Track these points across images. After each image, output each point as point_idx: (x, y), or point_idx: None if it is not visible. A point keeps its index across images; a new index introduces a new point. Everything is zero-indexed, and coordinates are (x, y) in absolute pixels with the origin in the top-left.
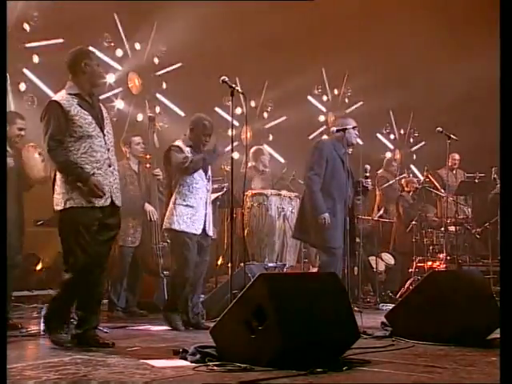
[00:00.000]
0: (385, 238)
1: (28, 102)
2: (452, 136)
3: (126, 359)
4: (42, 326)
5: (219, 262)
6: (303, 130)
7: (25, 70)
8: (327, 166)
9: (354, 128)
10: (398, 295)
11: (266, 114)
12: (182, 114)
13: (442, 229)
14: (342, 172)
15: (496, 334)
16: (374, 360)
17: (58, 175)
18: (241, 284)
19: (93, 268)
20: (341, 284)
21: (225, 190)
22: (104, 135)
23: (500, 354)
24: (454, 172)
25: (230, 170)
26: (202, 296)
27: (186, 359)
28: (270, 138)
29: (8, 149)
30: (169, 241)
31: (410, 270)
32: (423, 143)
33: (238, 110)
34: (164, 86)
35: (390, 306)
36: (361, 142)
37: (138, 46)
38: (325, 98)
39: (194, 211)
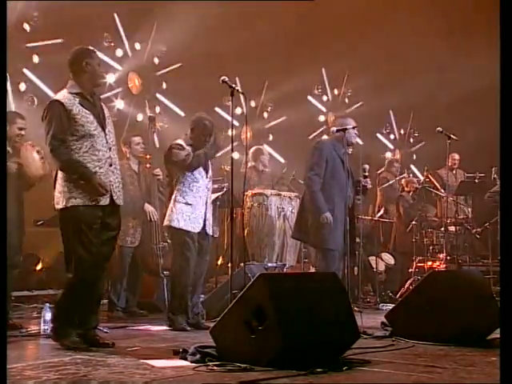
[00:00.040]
0: (385, 238)
1: (28, 102)
2: (452, 136)
3: (126, 359)
4: (49, 332)
5: (219, 262)
6: (303, 130)
7: (25, 70)
8: (327, 166)
9: (353, 128)
10: (398, 295)
11: (266, 114)
12: (182, 113)
13: (442, 229)
14: (342, 172)
15: (496, 334)
16: (374, 360)
17: (60, 174)
18: (241, 284)
19: (95, 268)
20: (341, 284)
21: (225, 189)
22: (105, 134)
23: (500, 354)
24: (454, 172)
25: (230, 170)
26: (202, 296)
27: (186, 359)
28: (270, 138)
29: (8, 148)
30: (169, 241)
31: (410, 270)
32: (423, 143)
33: (238, 110)
34: (164, 85)
35: (390, 306)
36: (361, 142)
37: (138, 46)
38: (325, 98)
39: (193, 209)
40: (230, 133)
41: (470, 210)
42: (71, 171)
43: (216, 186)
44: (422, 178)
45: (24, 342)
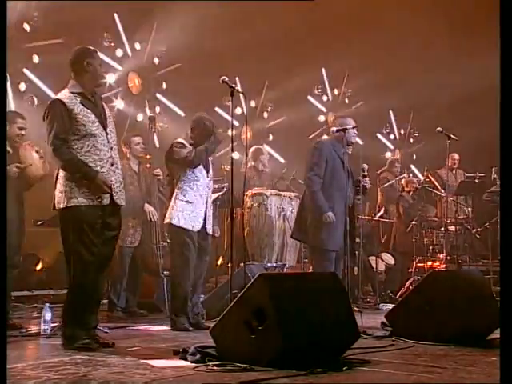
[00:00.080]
0: (385, 238)
1: (28, 101)
2: (452, 136)
3: (126, 359)
4: (61, 339)
5: (219, 262)
6: (303, 129)
7: (25, 70)
8: (327, 167)
9: (353, 128)
10: (398, 295)
11: (266, 114)
12: (181, 113)
13: (442, 229)
14: (342, 172)
15: (496, 334)
16: (374, 360)
17: (61, 173)
18: (241, 284)
19: (96, 268)
20: (341, 284)
21: (225, 189)
22: (107, 134)
23: (500, 354)
24: (454, 172)
25: (229, 170)
26: (202, 296)
27: (186, 359)
28: (270, 138)
29: (8, 148)
30: (169, 240)
31: (410, 270)
32: (423, 143)
33: (238, 110)
34: (164, 86)
35: (390, 306)
36: (361, 142)
37: (138, 46)
38: (325, 98)
39: (193, 207)
40: (229, 133)
41: (470, 209)
42: (74, 170)
43: (216, 185)
44: (422, 178)
45: (24, 341)
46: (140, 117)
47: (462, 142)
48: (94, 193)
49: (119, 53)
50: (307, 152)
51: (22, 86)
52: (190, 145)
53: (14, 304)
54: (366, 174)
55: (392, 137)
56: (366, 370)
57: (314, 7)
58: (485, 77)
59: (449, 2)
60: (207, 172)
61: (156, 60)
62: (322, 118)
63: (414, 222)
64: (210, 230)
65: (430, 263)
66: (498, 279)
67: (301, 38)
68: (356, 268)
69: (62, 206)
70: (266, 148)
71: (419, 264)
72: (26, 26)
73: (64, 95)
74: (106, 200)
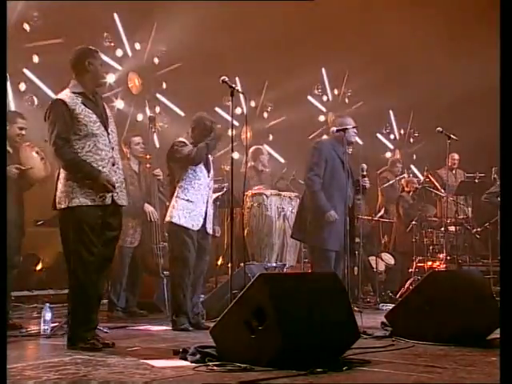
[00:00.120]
0: (385, 238)
1: (28, 102)
2: (452, 136)
3: (126, 359)
4: (66, 340)
5: (219, 262)
6: (303, 129)
7: (25, 70)
8: (327, 167)
9: (353, 128)
10: (398, 295)
11: (265, 114)
12: (181, 113)
13: (442, 229)
14: (342, 172)
15: (496, 334)
16: (374, 360)
17: (62, 173)
18: (241, 284)
19: (96, 268)
20: (341, 284)
21: (225, 189)
22: (108, 134)
23: (500, 354)
24: (454, 172)
25: (229, 170)
26: (202, 296)
27: (186, 359)
28: (270, 138)
29: (8, 148)
30: (168, 239)
31: (410, 270)
32: (423, 143)
33: (238, 110)
34: (164, 86)
35: (390, 306)
36: (361, 142)
37: (138, 46)
38: (325, 98)
39: (194, 206)
40: (230, 133)
41: (470, 209)
42: (76, 170)
43: (216, 185)
44: (422, 178)
45: (24, 341)
46: (140, 117)
47: (462, 142)
48: (98, 191)
49: (119, 53)
50: (307, 152)
51: (22, 86)
52: (191, 144)
53: (14, 304)
54: (364, 173)
55: (392, 137)
56: (366, 370)
57: (314, 7)
58: (485, 77)
59: (448, 3)
60: (208, 171)
61: (156, 60)
62: (322, 118)
63: (414, 222)
64: (209, 230)
65: (430, 263)
66: (498, 279)
67: (301, 38)
68: (356, 268)
69: (63, 206)
70: (266, 148)
71: (419, 264)
72: (26, 26)
73: (65, 95)
74: (108, 200)
